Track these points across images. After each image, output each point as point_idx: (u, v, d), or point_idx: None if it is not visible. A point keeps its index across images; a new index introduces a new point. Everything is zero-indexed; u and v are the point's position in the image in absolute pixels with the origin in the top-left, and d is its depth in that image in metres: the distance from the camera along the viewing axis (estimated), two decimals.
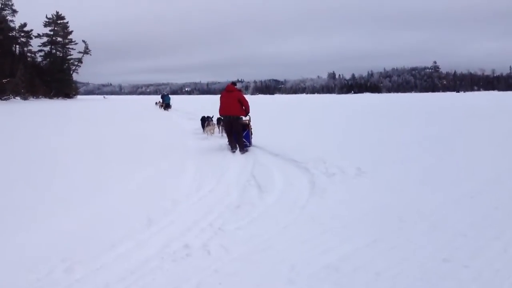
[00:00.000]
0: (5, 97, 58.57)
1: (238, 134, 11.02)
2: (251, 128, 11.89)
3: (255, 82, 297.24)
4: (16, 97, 62.76)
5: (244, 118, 11.54)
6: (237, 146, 10.93)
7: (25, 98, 65.07)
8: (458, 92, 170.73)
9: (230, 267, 3.89)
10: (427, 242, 4.34)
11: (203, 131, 15.48)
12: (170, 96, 43.47)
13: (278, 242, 4.45)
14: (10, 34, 74.09)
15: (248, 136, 11.60)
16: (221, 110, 11.34)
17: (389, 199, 5.99)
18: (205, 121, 15.62)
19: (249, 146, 11.40)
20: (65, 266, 3.89)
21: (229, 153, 10.51)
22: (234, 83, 11.55)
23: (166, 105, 39.14)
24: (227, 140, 11.66)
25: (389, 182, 7.05)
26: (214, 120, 15.39)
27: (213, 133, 15.00)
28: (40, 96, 73.68)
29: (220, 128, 14.93)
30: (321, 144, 11.74)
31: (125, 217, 5.31)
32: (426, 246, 4.23)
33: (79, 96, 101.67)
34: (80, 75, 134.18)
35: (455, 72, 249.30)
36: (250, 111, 11.56)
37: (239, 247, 4.35)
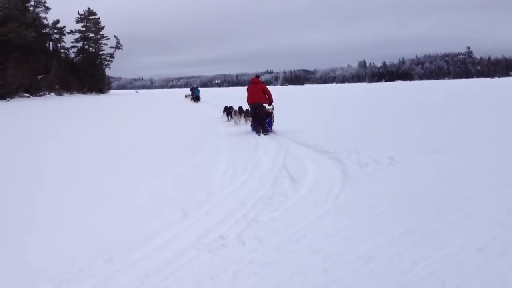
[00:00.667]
0: (40, 93, 60.01)
1: (262, 120, 12.92)
2: (273, 116, 13.55)
3: (284, 72, 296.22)
4: (51, 93, 64.23)
5: (268, 107, 13.38)
6: (261, 130, 12.73)
7: (59, 94, 66.59)
8: (493, 77, 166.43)
9: (265, 258, 3.94)
10: (462, 231, 4.30)
11: (227, 119, 17.48)
12: (199, 88, 44.89)
13: (312, 233, 4.48)
14: (44, 31, 75.82)
15: (270, 123, 13.29)
16: (248, 99, 13.29)
17: (423, 189, 5.95)
18: (228, 110, 17.74)
19: (270, 131, 12.93)
20: (105, 258, 4.02)
21: (260, 143, 10.56)
22: (258, 76, 13.90)
23: (195, 97, 40.68)
24: (250, 125, 13.86)
25: (423, 171, 6.99)
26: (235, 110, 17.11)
27: (240, 121, 16.20)
28: (74, 92, 75.20)
29: (242, 116, 16.28)
30: (353, 133, 11.70)
31: (161, 209, 5.42)
32: (461, 235, 4.20)
33: (111, 91, 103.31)
34: (112, 70, 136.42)
35: (489, 57, 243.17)
36: (273, 100, 13.59)
37: (273, 237, 4.40)
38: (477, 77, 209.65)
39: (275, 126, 13.38)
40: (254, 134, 12.59)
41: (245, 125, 15.14)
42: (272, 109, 13.61)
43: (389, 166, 7.43)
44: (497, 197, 5.40)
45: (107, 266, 3.88)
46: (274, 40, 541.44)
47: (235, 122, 16.19)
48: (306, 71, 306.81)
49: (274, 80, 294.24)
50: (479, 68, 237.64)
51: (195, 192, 6.15)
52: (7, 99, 48.15)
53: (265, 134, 12.47)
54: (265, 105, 13.24)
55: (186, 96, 49.55)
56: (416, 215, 4.85)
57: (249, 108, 13.83)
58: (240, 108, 16.51)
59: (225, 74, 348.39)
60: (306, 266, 3.74)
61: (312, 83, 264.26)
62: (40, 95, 59.73)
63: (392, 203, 5.36)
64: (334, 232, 4.46)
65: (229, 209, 5.40)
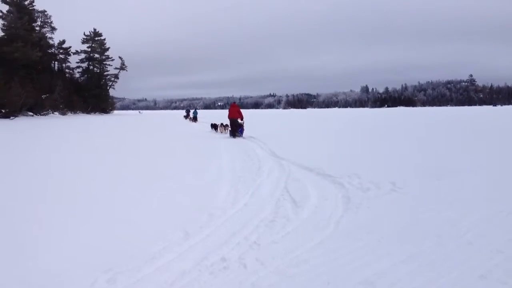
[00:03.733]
0: (44, 112, 60.32)
1: (236, 129, 21.40)
2: (243, 127, 21.88)
3: (287, 96, 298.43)
4: (55, 112, 64.59)
5: (240, 121, 21.69)
6: (235, 135, 21.13)
7: (63, 113, 66.96)
8: (495, 105, 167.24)
9: (267, 281, 3.94)
10: (464, 258, 4.30)
11: (212, 130, 26.84)
12: (197, 110, 53.31)
13: (313, 257, 4.48)
14: (49, 51, 76.58)
15: (242, 131, 21.62)
16: (229, 116, 21.85)
17: (424, 215, 5.95)
18: (214, 125, 27.04)
19: (241, 136, 21.15)
20: (107, 277, 4.02)
21: (263, 166, 10.53)
22: (235, 102, 23.89)
23: (194, 118, 47.43)
24: (229, 132, 22.15)
25: (424, 197, 6.99)
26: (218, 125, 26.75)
27: (222, 132, 24.96)
28: (78, 111, 75.62)
29: (223, 129, 25.14)
30: (355, 158, 11.73)
31: (164, 230, 5.42)
32: (463, 262, 4.20)
33: (115, 111, 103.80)
34: (116, 91, 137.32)
35: (491, 85, 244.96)
36: (244, 117, 22.01)
37: (275, 261, 4.41)
38: (480, 104, 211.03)
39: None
40: (235, 139, 20.26)
41: (224, 134, 23.80)
42: (243, 123, 21.89)
43: (391, 192, 7.44)
44: (498, 225, 5.40)
45: (110, 285, 3.87)
46: (278, 63, 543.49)
47: (220, 132, 25.17)
48: (309, 95, 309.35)
49: (277, 103, 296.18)
50: (481, 95, 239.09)
51: (197, 214, 6.16)
52: (11, 117, 48.39)
53: (238, 136, 20.94)
54: (239, 120, 21.59)
55: (184, 117, 54.83)
56: (418, 242, 4.84)
57: (229, 122, 22.17)
58: (222, 124, 25.60)
59: (228, 97, 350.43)
60: None
61: (314, 107, 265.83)
62: (44, 114, 60.00)
63: (394, 229, 5.36)
64: (335, 256, 4.47)
65: (231, 231, 5.42)
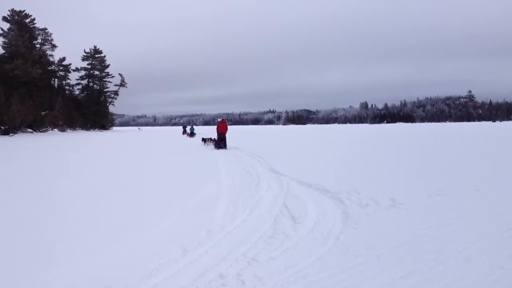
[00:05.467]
0: (43, 129, 60.38)
1: (221, 141, 25.20)
2: (226, 140, 25.35)
3: (287, 112, 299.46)
4: (54, 129, 64.67)
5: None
6: (220, 147, 24.72)
7: (62, 130, 67.01)
8: (494, 121, 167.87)
9: None
10: (463, 274, 4.27)
11: (204, 143, 30.14)
12: (194, 126, 60.16)
13: (312, 273, 4.44)
14: (49, 68, 77.01)
15: (225, 143, 25.15)
16: (218, 130, 25.76)
17: (424, 231, 5.92)
18: (204, 139, 30.94)
19: (225, 148, 24.79)
20: None
21: (262, 182, 10.51)
22: (224, 119, 28.00)
23: (191, 133, 51.69)
24: (214, 145, 26.45)
25: (424, 213, 6.96)
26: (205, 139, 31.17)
27: (209, 144, 28.51)
28: (77, 128, 75.78)
29: (210, 141, 29.09)
30: (354, 173, 11.70)
31: (161, 247, 5.39)
32: (462, 278, 4.17)
33: (114, 128, 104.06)
34: (115, 107, 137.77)
35: (490, 101, 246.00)
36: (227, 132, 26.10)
37: (273, 277, 4.37)
38: (478, 120, 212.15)
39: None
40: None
41: (210, 147, 27.17)
42: (225, 137, 25.39)
43: (390, 207, 7.41)
44: (498, 241, 5.37)
45: None
46: (278, 80, 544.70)
47: (207, 145, 28.79)
48: (308, 111, 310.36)
49: (277, 119, 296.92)
50: (480, 111, 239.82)
51: (195, 231, 6.12)
52: (10, 134, 48.44)
53: (222, 148, 24.54)
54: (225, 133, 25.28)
55: (182, 133, 58.96)
56: (417, 258, 4.81)
57: (217, 135, 25.78)
58: (210, 138, 29.93)
59: (228, 113, 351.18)
60: None
61: (314, 123, 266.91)
62: (43, 131, 60.05)
63: (393, 245, 5.33)
64: (334, 273, 4.43)
65: (229, 247, 5.38)
